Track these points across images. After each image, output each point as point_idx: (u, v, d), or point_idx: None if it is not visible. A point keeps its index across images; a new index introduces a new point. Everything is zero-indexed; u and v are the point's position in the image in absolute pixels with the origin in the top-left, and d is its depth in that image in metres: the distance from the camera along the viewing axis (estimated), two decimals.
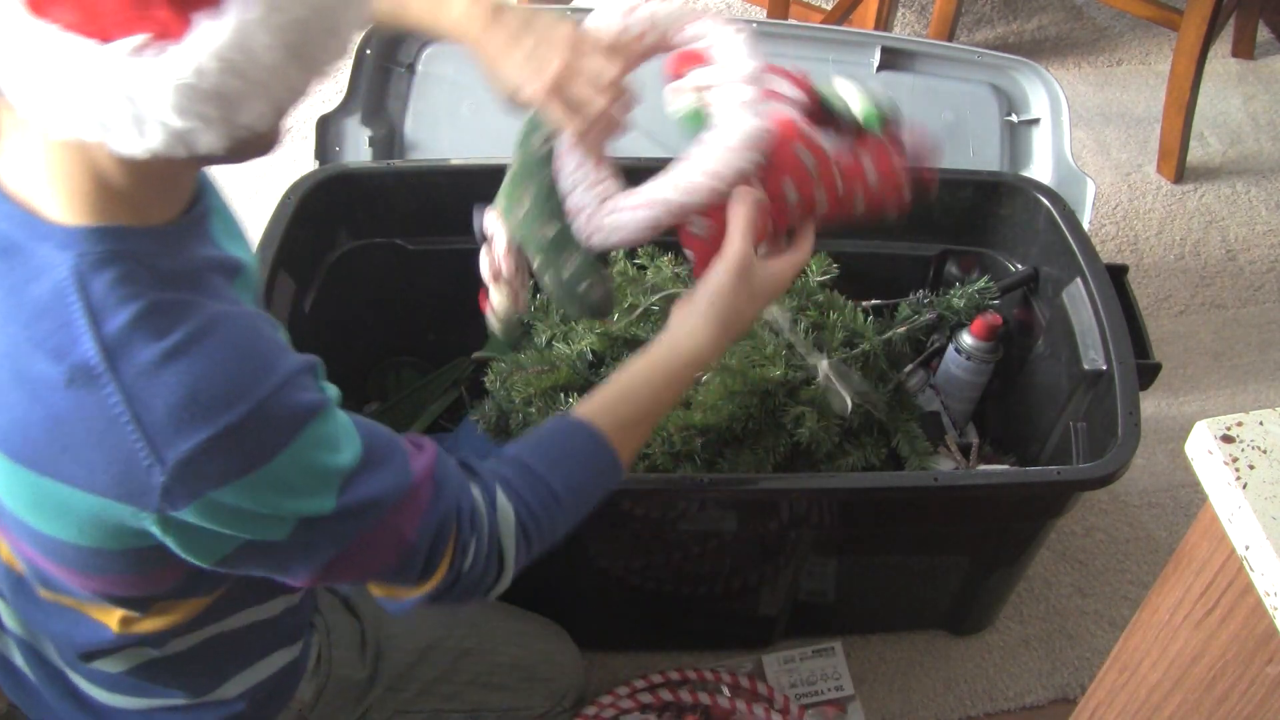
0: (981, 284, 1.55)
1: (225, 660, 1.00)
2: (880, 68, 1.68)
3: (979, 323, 1.53)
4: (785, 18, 2.23)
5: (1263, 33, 2.62)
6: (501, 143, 1.68)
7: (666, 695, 1.44)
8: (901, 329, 1.49)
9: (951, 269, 1.64)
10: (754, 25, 1.67)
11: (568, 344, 1.40)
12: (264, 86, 0.69)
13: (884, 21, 2.21)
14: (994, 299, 1.54)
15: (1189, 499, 1.75)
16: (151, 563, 0.83)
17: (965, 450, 1.53)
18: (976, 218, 1.60)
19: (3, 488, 0.79)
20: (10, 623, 1.00)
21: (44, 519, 0.79)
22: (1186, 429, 0.77)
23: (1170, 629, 0.85)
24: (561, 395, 1.34)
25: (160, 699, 0.99)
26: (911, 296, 1.57)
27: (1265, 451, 0.73)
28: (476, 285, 1.13)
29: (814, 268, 1.48)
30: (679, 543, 1.34)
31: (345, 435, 0.81)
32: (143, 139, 0.68)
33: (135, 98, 0.66)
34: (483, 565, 0.91)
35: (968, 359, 1.55)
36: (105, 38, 0.65)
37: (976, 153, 1.70)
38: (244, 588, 0.94)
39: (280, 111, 0.74)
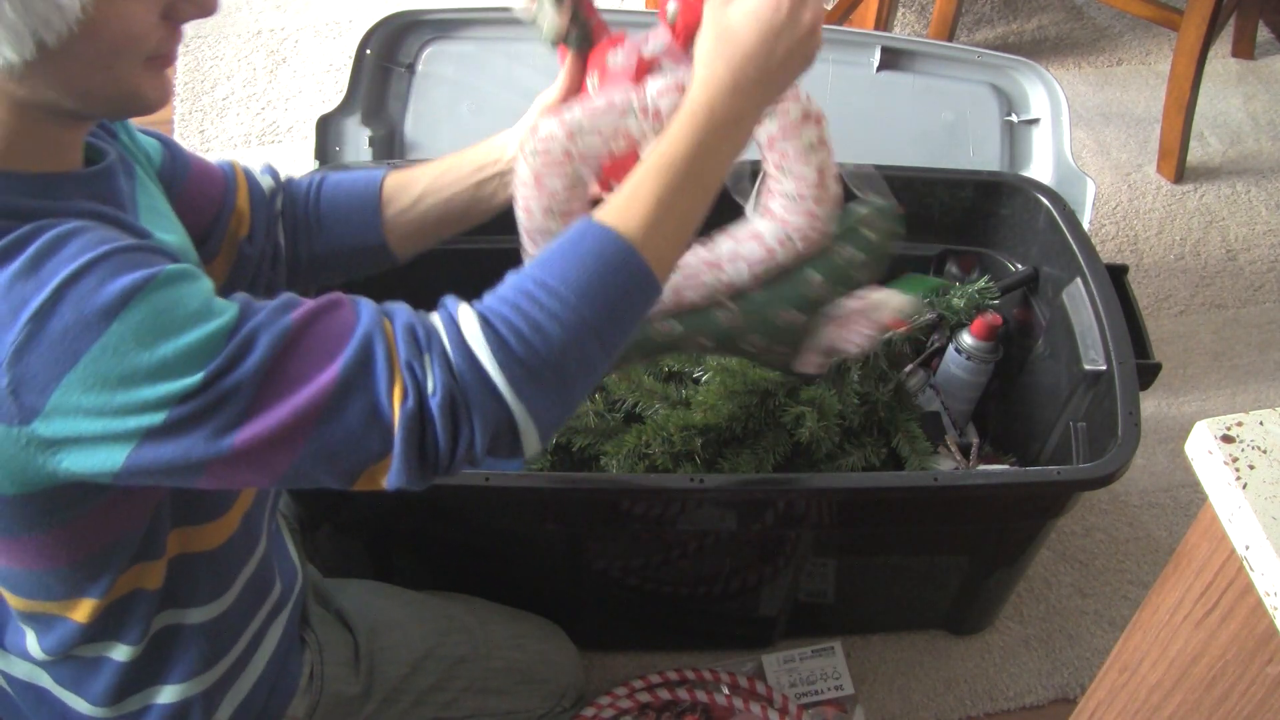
0: (981, 284, 1.55)
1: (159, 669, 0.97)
2: (880, 68, 1.68)
3: (979, 323, 1.53)
4: None
5: (1263, 33, 2.62)
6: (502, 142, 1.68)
7: (666, 695, 1.44)
8: (901, 330, 1.49)
9: (951, 269, 1.64)
10: None
11: None
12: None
13: (884, 21, 2.21)
14: (994, 299, 1.54)
15: (1189, 499, 1.75)
16: (51, 517, 0.80)
17: (965, 450, 1.53)
18: (976, 218, 1.60)
19: None
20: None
21: None
22: (1186, 429, 0.77)
23: (1170, 629, 0.85)
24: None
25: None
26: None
27: (1265, 451, 0.73)
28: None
29: None
30: (678, 543, 1.34)
31: (197, 307, 0.73)
32: None
33: None
34: (451, 382, 0.75)
35: (968, 359, 1.55)
36: None
37: (976, 153, 1.70)
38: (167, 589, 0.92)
39: (43, 23, 0.69)
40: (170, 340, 0.71)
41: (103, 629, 0.92)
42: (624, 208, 0.82)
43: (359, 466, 0.77)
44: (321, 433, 0.74)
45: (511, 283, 0.80)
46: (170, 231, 0.92)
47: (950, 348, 1.57)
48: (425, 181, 1.11)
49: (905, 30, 2.55)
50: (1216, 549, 0.77)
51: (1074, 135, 1.78)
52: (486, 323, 0.77)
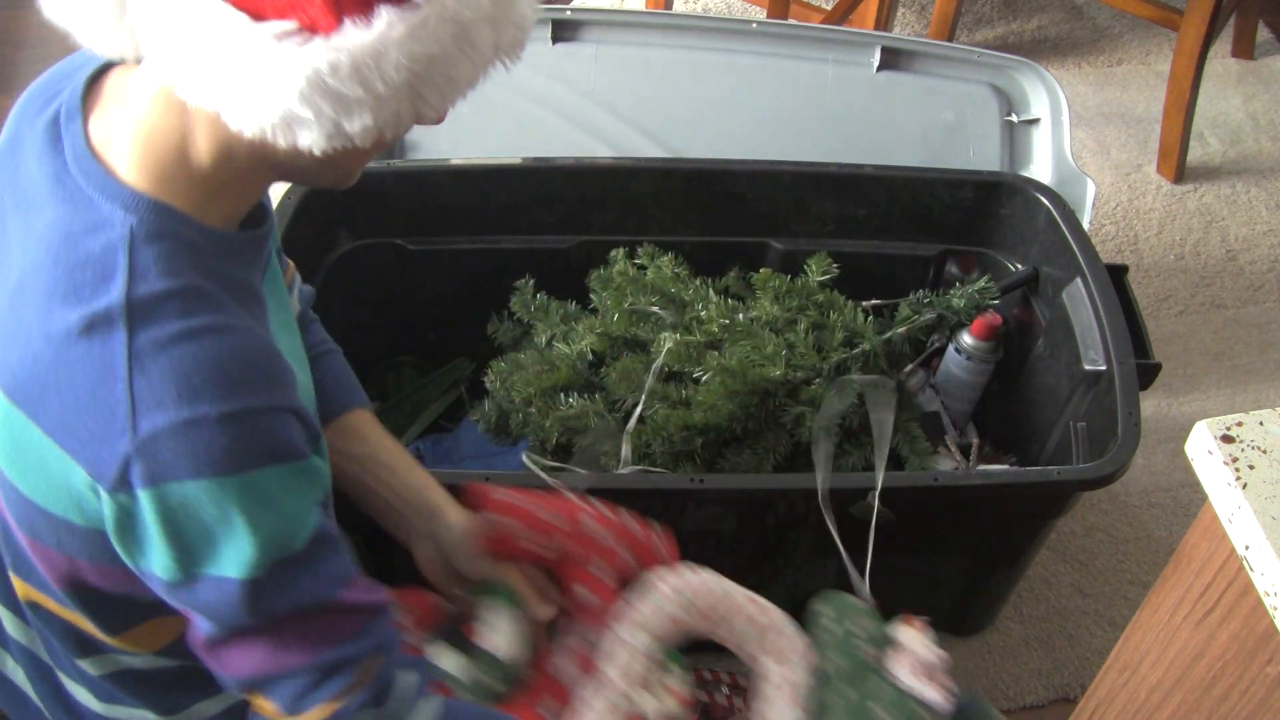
0: (981, 284, 1.55)
1: (209, 678, 0.98)
2: (880, 68, 1.68)
3: (979, 323, 1.53)
4: (785, 18, 2.23)
5: (1263, 33, 2.62)
6: (502, 143, 1.69)
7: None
8: (901, 329, 1.49)
9: (951, 269, 1.64)
10: (754, 25, 1.67)
11: (568, 344, 1.40)
12: (378, 103, 0.72)
13: (884, 21, 2.21)
14: (994, 299, 1.54)
15: (1189, 499, 1.75)
16: (113, 553, 0.80)
17: (965, 450, 1.53)
18: (976, 218, 1.60)
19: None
20: (10, 627, 1.00)
21: (23, 472, 0.78)
22: (1186, 429, 0.77)
23: (1170, 629, 0.85)
24: (561, 395, 1.34)
25: (138, 709, 0.97)
26: (911, 296, 1.57)
27: (1265, 451, 0.73)
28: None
29: (814, 267, 1.48)
30: (679, 543, 1.34)
31: (305, 508, 0.79)
32: (257, 116, 0.72)
33: (269, 75, 0.70)
34: None
35: (968, 359, 1.55)
36: (258, 16, 0.70)
37: (976, 153, 1.70)
38: None
39: (376, 140, 0.76)
40: (267, 522, 0.76)
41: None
42: None
43: (268, 698, 0.83)
44: (272, 680, 0.82)
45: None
46: (286, 328, 0.92)
47: (950, 348, 1.57)
48: (372, 462, 1.09)
49: (905, 30, 2.55)
50: (1216, 549, 0.77)
51: (1074, 135, 1.78)
52: None
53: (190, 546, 0.76)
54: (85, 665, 0.93)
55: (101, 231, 0.75)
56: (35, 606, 0.92)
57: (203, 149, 0.77)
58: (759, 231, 1.60)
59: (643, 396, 1.33)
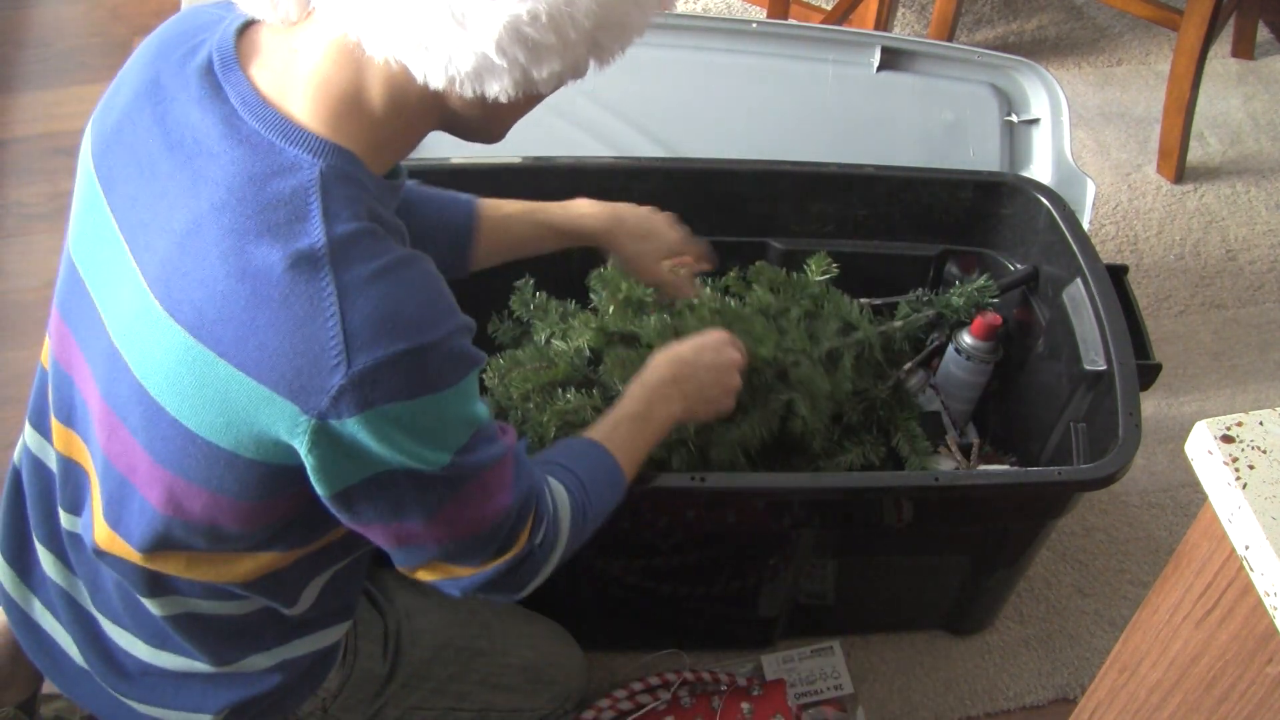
0: (980, 282, 1.55)
1: (267, 630, 1.01)
2: (880, 68, 1.68)
3: (979, 323, 1.53)
4: (785, 18, 2.23)
5: (1263, 33, 2.62)
6: (502, 142, 1.68)
7: (665, 696, 1.44)
8: (899, 323, 1.49)
9: (952, 269, 1.64)
10: (754, 25, 1.67)
11: (565, 341, 1.40)
12: (566, 49, 0.76)
13: (884, 21, 2.21)
14: (993, 297, 1.54)
15: (1189, 499, 1.75)
16: (269, 488, 0.85)
17: (966, 450, 1.53)
18: (976, 218, 1.60)
19: (162, 368, 0.80)
20: (50, 569, 1.01)
21: (195, 407, 0.80)
22: (1186, 429, 0.77)
23: (1170, 629, 0.85)
24: (559, 390, 1.34)
25: (187, 659, 0.99)
26: (910, 295, 1.57)
27: (1265, 451, 0.73)
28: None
29: (813, 266, 1.48)
30: (679, 543, 1.34)
31: (478, 397, 0.88)
32: (451, 65, 0.75)
33: (466, 23, 0.73)
34: (547, 548, 0.97)
35: (968, 359, 1.55)
36: None
37: (976, 153, 1.70)
38: (317, 555, 0.97)
39: (556, 84, 0.80)
40: (470, 407, 0.85)
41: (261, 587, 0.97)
42: (620, 449, 1.08)
43: (450, 565, 0.92)
44: (471, 540, 0.90)
45: (579, 485, 1.02)
46: None
47: (950, 348, 1.57)
48: (511, 230, 1.23)
49: (905, 30, 2.55)
50: (1216, 549, 0.77)
51: (1074, 135, 1.78)
52: (573, 514, 0.99)
53: (403, 452, 0.81)
54: (151, 605, 0.95)
55: (290, 174, 0.78)
56: (101, 554, 0.93)
57: (376, 101, 0.80)
58: (759, 231, 1.60)
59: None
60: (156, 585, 0.94)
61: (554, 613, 1.36)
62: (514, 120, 0.89)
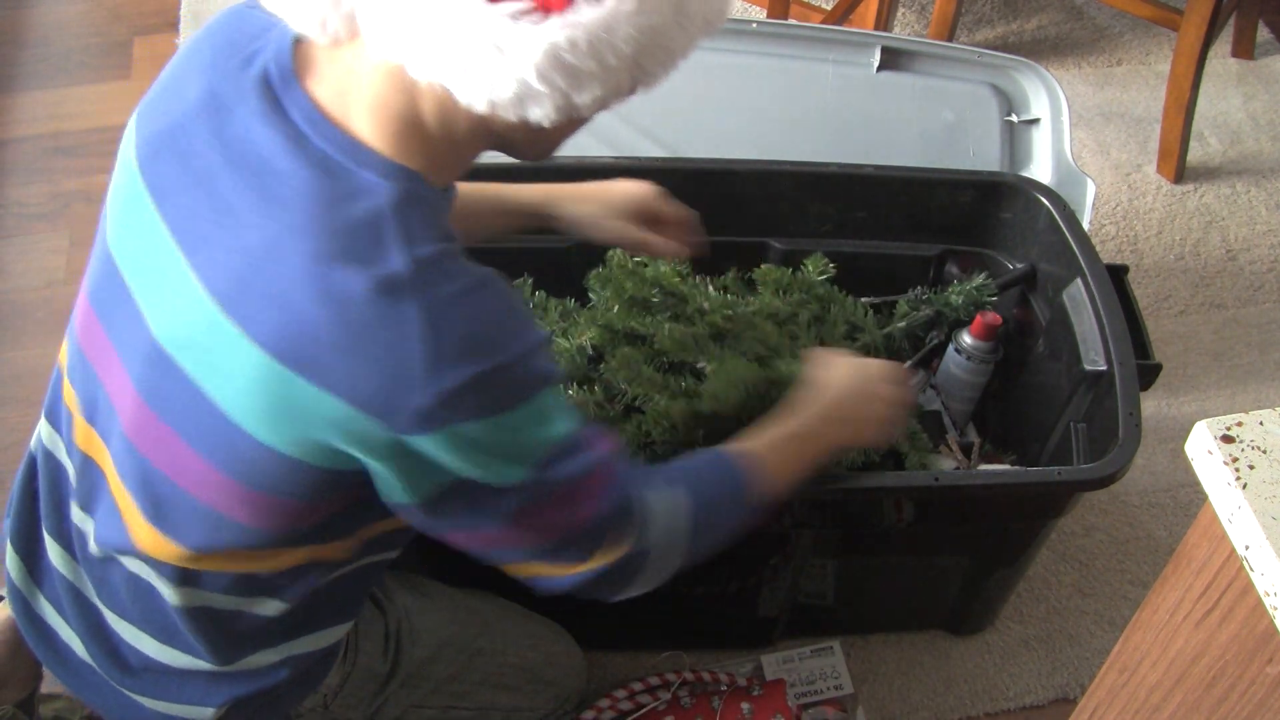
0: (979, 281, 1.55)
1: (276, 625, 1.02)
2: (880, 68, 1.68)
3: (979, 323, 1.53)
4: (785, 18, 2.23)
5: (1263, 33, 2.62)
6: None
7: (665, 696, 1.44)
8: (900, 323, 1.49)
9: (951, 269, 1.64)
10: (754, 25, 1.67)
11: (567, 339, 1.40)
12: (607, 74, 0.76)
13: (884, 21, 2.21)
14: (992, 296, 1.54)
15: (1189, 499, 1.75)
16: (328, 491, 0.87)
17: (966, 450, 1.53)
18: (976, 218, 1.60)
19: (234, 383, 0.81)
20: (57, 561, 1.01)
21: (270, 422, 0.81)
22: (1186, 429, 0.77)
23: (1170, 629, 0.85)
24: (560, 387, 1.35)
25: (192, 656, 1.00)
26: (910, 294, 1.57)
27: (1265, 451, 0.73)
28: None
29: (811, 267, 1.48)
30: None
31: (566, 407, 0.89)
32: (492, 91, 0.76)
33: (506, 52, 0.74)
34: (651, 555, 0.97)
35: (968, 359, 1.55)
36: None
37: (976, 153, 1.70)
38: (354, 548, 0.98)
39: (599, 108, 0.80)
40: (551, 427, 0.85)
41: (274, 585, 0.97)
42: (768, 476, 1.06)
43: (549, 564, 0.94)
44: (557, 544, 0.91)
45: (695, 500, 1.01)
46: None
47: (950, 348, 1.57)
48: (472, 209, 1.18)
49: (905, 30, 2.55)
50: (1216, 549, 0.77)
51: (1074, 135, 1.78)
52: (694, 524, 1.00)
53: (480, 466, 0.83)
54: (169, 594, 0.95)
55: (365, 197, 0.79)
56: (132, 554, 0.94)
57: (431, 123, 0.81)
58: (759, 231, 1.60)
59: (641, 386, 1.33)
60: (186, 579, 0.95)
61: (553, 614, 1.36)
62: (561, 141, 0.90)
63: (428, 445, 0.80)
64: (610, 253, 1.49)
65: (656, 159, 1.62)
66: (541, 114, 0.77)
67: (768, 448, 1.08)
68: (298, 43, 0.84)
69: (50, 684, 1.18)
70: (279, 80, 0.82)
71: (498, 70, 0.74)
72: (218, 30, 0.89)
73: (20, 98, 2.31)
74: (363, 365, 0.78)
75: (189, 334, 0.83)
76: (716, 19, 0.82)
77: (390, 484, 0.84)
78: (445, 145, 0.83)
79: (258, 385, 0.80)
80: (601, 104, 0.79)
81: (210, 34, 0.89)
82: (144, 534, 0.92)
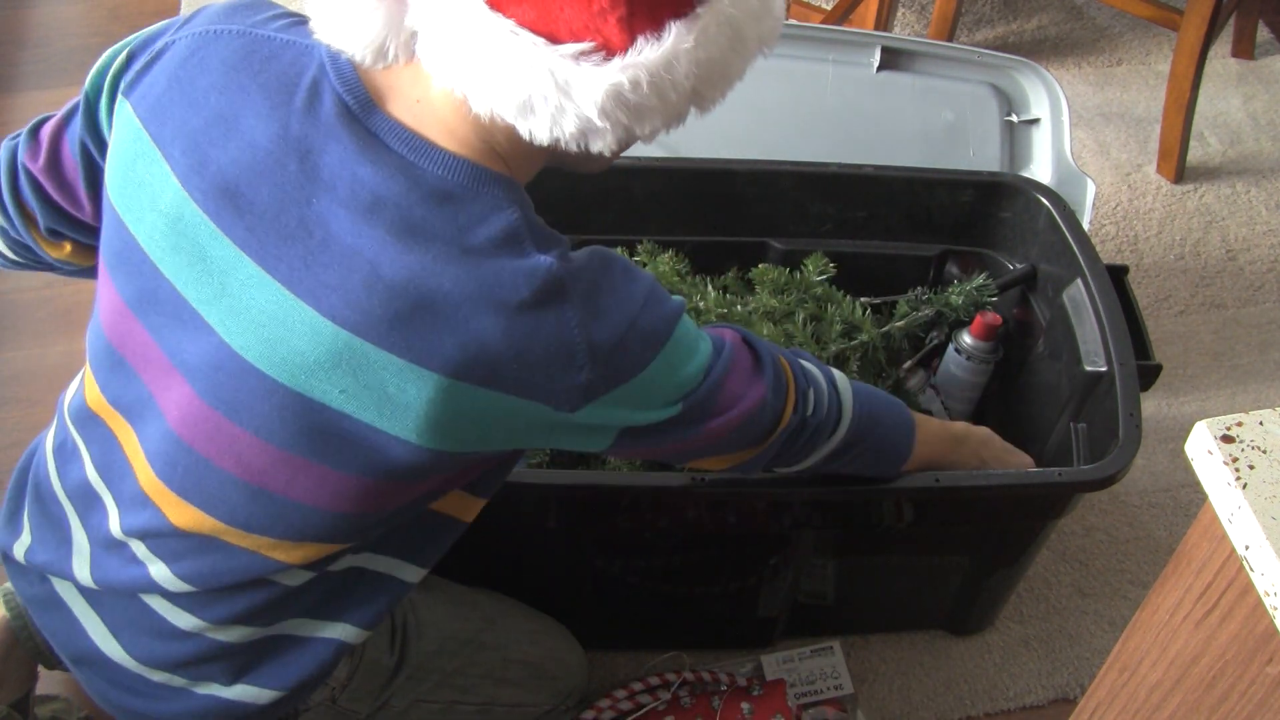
0: (979, 281, 1.55)
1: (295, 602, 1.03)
2: (880, 68, 1.68)
3: (979, 323, 1.53)
4: (785, 18, 2.22)
5: (1263, 33, 2.62)
6: None
7: (665, 696, 1.44)
8: (900, 323, 1.49)
9: (952, 269, 1.64)
10: None
11: None
12: (669, 107, 0.79)
13: (884, 21, 2.21)
14: (992, 296, 1.54)
15: (1189, 499, 1.75)
16: (454, 467, 0.91)
17: None
18: (976, 218, 1.60)
19: (414, 410, 0.84)
20: (83, 574, 1.01)
21: (446, 432, 0.86)
22: (1186, 429, 0.77)
23: (1170, 629, 0.85)
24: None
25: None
26: (910, 294, 1.57)
27: (1265, 451, 0.73)
28: None
29: (810, 267, 1.48)
30: (678, 543, 1.34)
31: (694, 331, 0.95)
32: (555, 128, 0.78)
33: (571, 92, 0.76)
34: (825, 412, 1.05)
35: (968, 359, 1.55)
36: (555, 39, 0.76)
37: (976, 153, 1.70)
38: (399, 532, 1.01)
39: (659, 132, 0.83)
40: (686, 365, 0.92)
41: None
42: (923, 427, 1.20)
43: (739, 451, 1.03)
44: (740, 431, 0.99)
45: (868, 390, 1.13)
46: None
47: (950, 348, 1.57)
48: None
49: (905, 30, 2.55)
50: (1216, 549, 0.77)
51: (1074, 135, 1.78)
52: (857, 396, 1.09)
53: (652, 404, 0.91)
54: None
55: (495, 214, 0.83)
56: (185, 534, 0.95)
57: (501, 140, 0.84)
58: (759, 231, 1.60)
59: None
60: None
61: (554, 612, 1.36)
62: (618, 156, 0.93)
63: (596, 415, 0.87)
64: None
65: (656, 159, 1.62)
66: (603, 145, 0.80)
67: (929, 423, 1.21)
68: (357, 68, 0.84)
69: (47, 685, 1.18)
70: (361, 111, 0.83)
71: (560, 110, 0.77)
72: (251, 64, 0.86)
73: (20, 98, 2.31)
74: (533, 364, 0.83)
75: (312, 360, 0.84)
76: (771, 39, 0.84)
77: (577, 444, 0.92)
78: (516, 161, 0.87)
79: (439, 406, 0.84)
80: (661, 131, 0.82)
81: (245, 67, 0.86)
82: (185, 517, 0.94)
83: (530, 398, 0.84)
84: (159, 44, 0.92)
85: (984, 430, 1.31)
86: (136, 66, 0.92)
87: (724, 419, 0.97)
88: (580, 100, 0.76)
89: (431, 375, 0.82)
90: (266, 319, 0.85)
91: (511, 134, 0.82)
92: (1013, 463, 1.30)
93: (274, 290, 0.84)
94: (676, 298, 0.93)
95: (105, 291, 0.95)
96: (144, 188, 0.89)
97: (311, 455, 0.88)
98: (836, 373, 1.09)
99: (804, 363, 1.07)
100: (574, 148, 0.80)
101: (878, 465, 1.18)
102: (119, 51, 0.94)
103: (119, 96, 0.92)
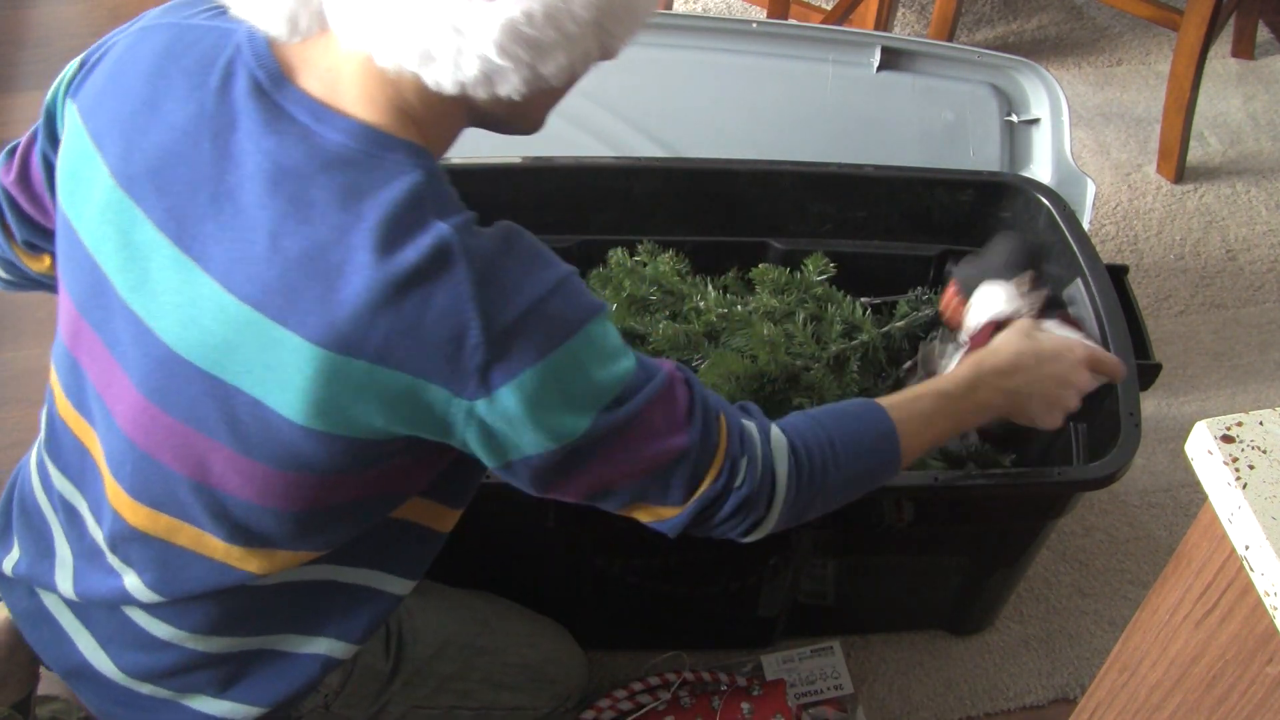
0: None
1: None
2: (880, 68, 1.68)
3: None
4: (785, 18, 2.23)
5: (1263, 33, 2.62)
6: (502, 143, 1.68)
7: (665, 696, 1.44)
8: (900, 323, 1.49)
9: (952, 269, 1.64)
10: (754, 25, 1.67)
11: None
12: (570, 42, 0.77)
13: (884, 21, 2.21)
14: None
15: (1189, 499, 1.75)
16: (366, 459, 0.87)
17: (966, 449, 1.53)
18: (977, 218, 1.60)
19: (294, 386, 0.81)
20: (65, 586, 1.01)
21: (331, 416, 0.82)
22: (1186, 429, 0.77)
23: (1170, 629, 0.85)
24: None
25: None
26: (910, 294, 1.57)
27: (1265, 451, 0.73)
28: None
29: (810, 267, 1.48)
30: (679, 543, 1.33)
31: (616, 339, 0.89)
32: (458, 71, 0.77)
33: (464, 31, 0.75)
34: (754, 487, 0.93)
35: None
36: None
37: (976, 153, 1.70)
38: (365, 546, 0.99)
39: (570, 75, 0.81)
40: (599, 369, 0.85)
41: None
42: (907, 419, 1.02)
43: (650, 505, 0.93)
44: (656, 478, 0.90)
45: (816, 429, 0.98)
46: None
47: (950, 348, 1.57)
48: None
49: (905, 30, 2.55)
50: (1216, 549, 0.77)
51: (1074, 135, 1.78)
52: (795, 456, 0.96)
53: (557, 408, 0.83)
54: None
55: (396, 179, 0.81)
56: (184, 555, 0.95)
57: (413, 102, 0.82)
58: (759, 231, 1.60)
59: None
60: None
61: (554, 613, 1.36)
62: (545, 111, 0.91)
63: (495, 410, 0.81)
64: (611, 252, 1.49)
65: (656, 159, 1.62)
66: (510, 88, 0.78)
67: (916, 405, 1.04)
68: (272, 44, 0.84)
69: (47, 685, 1.18)
70: (270, 85, 0.83)
71: (459, 52, 0.76)
72: (174, 51, 0.88)
73: (20, 98, 2.31)
74: (427, 340, 0.79)
75: (221, 339, 0.83)
76: None
77: (479, 448, 0.85)
78: (430, 123, 0.85)
79: (321, 381, 0.81)
80: (571, 71, 0.80)
81: (169, 55, 0.88)
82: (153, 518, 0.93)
83: (427, 378, 0.81)
84: (105, 46, 0.93)
85: (999, 349, 1.12)
86: (84, 71, 0.93)
87: (638, 454, 0.88)
88: (477, 40, 0.75)
89: (314, 349, 0.80)
90: (182, 300, 0.84)
91: (421, 89, 0.81)
92: (1054, 373, 1.11)
93: (188, 269, 0.84)
94: (599, 301, 0.88)
95: (61, 296, 0.96)
96: (84, 183, 0.89)
97: (235, 445, 0.86)
98: (775, 434, 0.97)
99: (746, 424, 0.95)
100: (482, 94, 0.79)
101: (862, 489, 1.03)
102: (75, 61, 0.96)
103: (68, 100, 0.93)
